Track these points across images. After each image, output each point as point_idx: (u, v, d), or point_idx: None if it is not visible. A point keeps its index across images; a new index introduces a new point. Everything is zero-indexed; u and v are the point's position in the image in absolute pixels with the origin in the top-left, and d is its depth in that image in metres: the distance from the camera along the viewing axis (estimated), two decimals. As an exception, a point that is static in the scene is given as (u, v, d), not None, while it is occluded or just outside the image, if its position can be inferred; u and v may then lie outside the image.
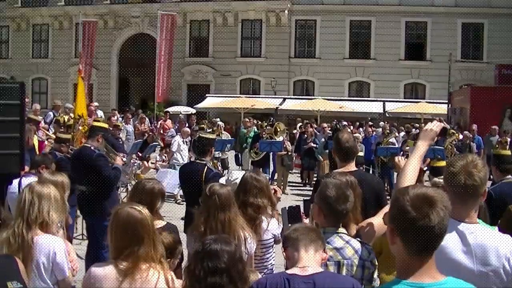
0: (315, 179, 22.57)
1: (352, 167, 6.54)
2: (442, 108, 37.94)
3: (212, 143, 9.44)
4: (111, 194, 9.87)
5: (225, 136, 24.01)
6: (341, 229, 4.61)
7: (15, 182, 8.06)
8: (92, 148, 9.85)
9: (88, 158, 9.67)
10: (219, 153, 21.54)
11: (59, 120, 17.73)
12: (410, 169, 4.56)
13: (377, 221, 5.15)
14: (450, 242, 3.82)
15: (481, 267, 3.84)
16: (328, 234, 4.47)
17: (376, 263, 4.66)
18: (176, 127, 26.69)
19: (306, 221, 5.33)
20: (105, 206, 8.82)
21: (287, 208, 5.53)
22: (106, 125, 11.53)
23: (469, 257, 3.86)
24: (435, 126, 4.93)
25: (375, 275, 4.58)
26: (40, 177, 6.49)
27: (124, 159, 11.56)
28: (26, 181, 7.56)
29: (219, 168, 11.49)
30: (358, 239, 4.70)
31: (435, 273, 3.04)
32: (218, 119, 25.98)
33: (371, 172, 22.21)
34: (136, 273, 4.24)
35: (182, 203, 10.53)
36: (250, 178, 6.28)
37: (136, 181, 13.30)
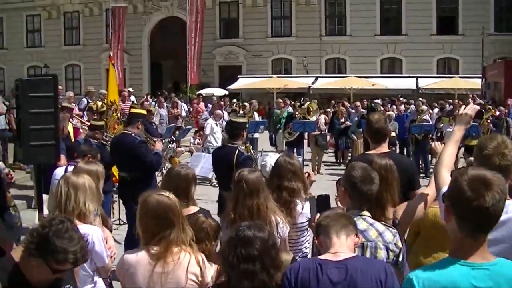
0: (349, 158, 22.56)
1: (384, 148, 6.53)
2: (476, 83, 37.51)
3: (243, 126, 9.48)
4: (152, 179, 9.99)
5: (256, 116, 24.06)
6: (365, 212, 4.62)
7: (61, 169, 8.18)
8: (133, 135, 9.93)
9: (130, 145, 9.75)
10: (252, 135, 21.66)
11: (92, 107, 17.86)
12: (447, 155, 4.62)
13: (416, 203, 5.17)
14: None
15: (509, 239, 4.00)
16: (351, 216, 4.44)
17: (401, 246, 4.66)
18: (209, 109, 26.75)
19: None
20: (147, 191, 8.91)
21: (316, 197, 5.54)
22: (145, 112, 11.61)
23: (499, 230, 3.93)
24: (470, 110, 4.91)
25: (401, 259, 4.58)
26: (75, 166, 6.54)
27: (161, 144, 11.61)
28: (71, 170, 7.68)
29: (252, 151, 11.43)
30: (382, 222, 4.70)
31: (486, 254, 3.12)
32: (254, 100, 25.88)
33: (405, 150, 22.15)
34: (169, 256, 4.39)
35: (217, 185, 10.63)
36: (284, 162, 6.25)
37: (170, 166, 13.38)
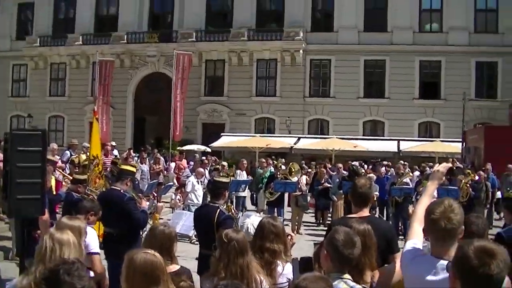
0: (329, 219, 22.65)
1: (365, 212, 6.66)
2: (457, 147, 37.98)
3: (226, 186, 9.59)
4: (138, 236, 10.05)
5: (244, 175, 24.19)
6: (346, 275, 4.70)
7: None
8: (121, 191, 9.99)
9: (119, 201, 9.79)
10: (237, 193, 21.90)
11: (74, 160, 17.93)
12: (421, 208, 4.81)
13: (394, 267, 5.31)
14: (428, 276, 4.29)
15: None
16: (333, 279, 4.53)
17: None
18: (191, 167, 26.87)
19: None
20: (132, 248, 8.96)
21: (298, 259, 5.69)
22: (134, 169, 11.68)
23: None
24: (442, 167, 5.51)
25: None
26: (58, 221, 6.62)
27: (146, 201, 11.71)
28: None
29: (233, 210, 11.54)
30: (364, 285, 4.81)
31: None
32: (243, 159, 26.06)
33: (385, 212, 22.29)
34: None
35: (196, 243, 10.69)
36: (267, 224, 6.39)
37: (151, 224, 13.43)
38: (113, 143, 28.49)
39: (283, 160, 29.85)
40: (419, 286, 4.43)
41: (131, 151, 31.70)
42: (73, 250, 5.27)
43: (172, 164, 31.16)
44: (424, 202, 4.99)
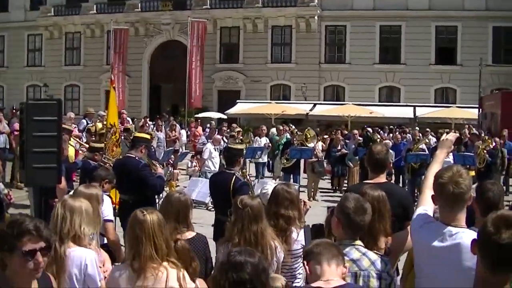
0: (345, 185, 22.67)
1: (382, 178, 6.65)
2: (473, 113, 37.66)
3: (241, 153, 9.64)
4: (154, 203, 10.17)
5: (264, 140, 24.15)
6: (358, 241, 4.71)
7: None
8: (136, 158, 10.07)
9: (134, 168, 9.88)
10: (257, 159, 22.00)
11: (90, 129, 17.98)
12: (432, 176, 4.79)
13: (406, 233, 5.33)
14: (435, 242, 4.35)
15: (455, 266, 4.24)
16: (344, 246, 4.57)
17: (393, 274, 4.81)
18: (207, 134, 26.86)
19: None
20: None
21: (310, 226, 5.71)
22: (148, 137, 11.72)
23: (445, 256, 4.29)
24: (451, 136, 5.64)
25: (393, 287, 4.70)
26: (75, 190, 6.67)
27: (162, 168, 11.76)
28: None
29: (249, 177, 11.56)
30: (375, 251, 4.82)
31: None
32: (263, 126, 26.01)
33: (401, 178, 22.27)
34: (148, 272, 4.68)
35: (212, 210, 10.76)
36: (281, 190, 6.42)
37: (167, 191, 13.51)
38: (124, 111, 28.43)
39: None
40: (426, 252, 4.48)
41: (147, 119, 31.74)
42: (86, 218, 5.31)
43: (183, 132, 31.09)
44: (433, 169, 5.03)
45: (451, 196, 4.32)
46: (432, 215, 4.74)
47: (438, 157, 5.44)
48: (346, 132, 28.56)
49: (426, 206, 4.79)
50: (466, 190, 4.35)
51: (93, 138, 16.37)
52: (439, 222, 4.44)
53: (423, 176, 19.51)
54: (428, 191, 4.82)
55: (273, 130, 28.11)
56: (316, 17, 48.23)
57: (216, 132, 23.07)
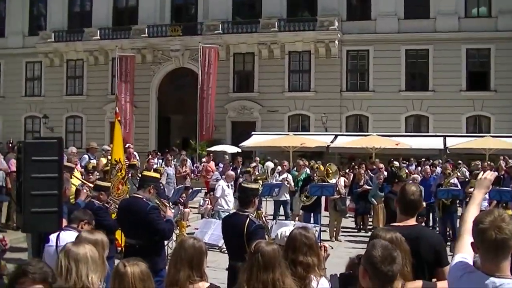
0: (370, 224, 22.60)
1: (412, 221, 6.62)
2: (509, 143, 37.40)
3: (256, 193, 9.56)
4: (162, 248, 10.19)
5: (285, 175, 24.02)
6: None
7: (53, 236, 8.23)
8: (144, 199, 10.06)
9: (141, 211, 9.87)
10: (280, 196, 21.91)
11: (87, 166, 17.84)
12: (471, 219, 4.71)
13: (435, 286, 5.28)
14: None
15: None
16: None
17: None
18: (221, 169, 26.90)
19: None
20: (156, 261, 9.14)
21: (338, 275, 5.66)
22: (158, 176, 11.75)
23: None
24: (489, 175, 5.54)
25: None
26: (78, 236, 6.64)
27: (172, 210, 11.78)
28: (65, 236, 7.77)
29: (265, 219, 11.53)
30: None
31: None
32: (285, 161, 25.93)
33: (431, 216, 22.15)
34: None
35: (226, 252, 10.77)
36: (299, 235, 6.37)
37: (177, 233, 13.48)
38: (131, 145, 28.51)
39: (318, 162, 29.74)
40: None
41: (154, 152, 31.84)
42: (92, 266, 5.25)
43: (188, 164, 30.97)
44: (471, 212, 5.00)
45: (493, 243, 4.21)
46: (472, 263, 4.65)
47: (476, 198, 5.35)
48: (373, 166, 28.40)
49: (465, 253, 4.70)
50: (510, 236, 4.24)
51: (91, 177, 16.31)
52: (481, 272, 4.35)
53: (455, 214, 19.57)
54: (467, 236, 4.74)
55: (269, 163, 28.28)
56: (336, 42, 48.18)
57: (230, 168, 23.09)
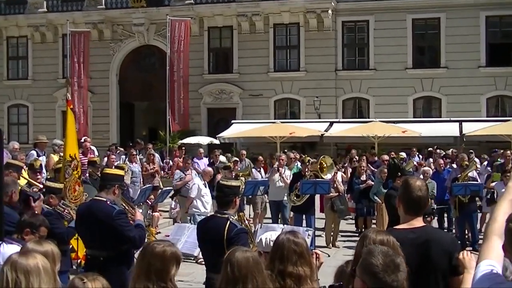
0: (374, 226, 22.61)
1: (419, 222, 6.61)
2: (537, 128, 37.52)
3: (237, 191, 9.58)
4: (131, 259, 10.08)
5: (260, 174, 24.13)
6: None
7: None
8: (108, 202, 10.01)
9: (106, 217, 9.84)
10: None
11: (33, 164, 17.68)
12: (502, 216, 4.63)
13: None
14: None
15: None
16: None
17: None
18: (197, 165, 26.92)
19: None
20: (125, 276, 9.22)
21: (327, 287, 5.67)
22: (122, 173, 11.68)
23: None
24: None
25: None
26: (23, 248, 6.59)
27: (140, 212, 11.72)
28: (7, 249, 7.71)
29: (247, 222, 11.51)
30: None
31: None
32: (259, 156, 26.01)
33: (445, 217, 22.21)
34: None
35: (203, 262, 10.73)
36: (287, 242, 6.33)
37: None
38: (87, 138, 28.45)
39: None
40: None
41: (115, 147, 31.77)
42: (45, 278, 5.18)
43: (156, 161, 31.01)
44: (503, 208, 4.77)
45: None
46: (501, 272, 4.46)
47: (509, 192, 4.96)
48: (374, 158, 28.46)
49: (492, 259, 4.46)
50: None
51: (38, 177, 16.26)
52: None
53: (474, 214, 19.62)
54: (495, 238, 4.54)
55: (222, 158, 28.46)
56: (330, 11, 47.74)
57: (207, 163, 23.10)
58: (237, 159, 27.99)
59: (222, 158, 28.26)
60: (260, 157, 25.78)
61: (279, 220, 22.31)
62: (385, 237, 5.34)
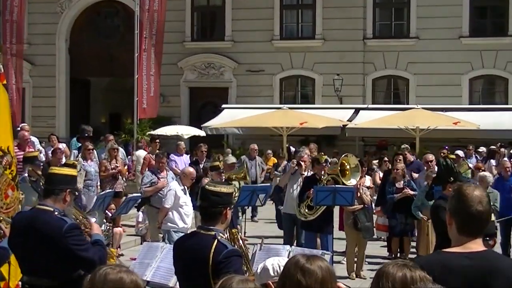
0: (413, 251, 22.61)
1: (477, 245, 6.48)
2: None
3: (228, 200, 9.32)
4: None
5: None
6: None
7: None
8: (56, 213, 9.81)
9: (53, 232, 9.62)
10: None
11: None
12: None
13: None
14: None
15: None
16: None
17: None
18: (174, 165, 26.91)
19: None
20: None
21: None
22: (74, 173, 11.47)
23: None
24: None
25: None
26: None
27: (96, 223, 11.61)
28: None
29: (242, 241, 11.30)
30: None
31: None
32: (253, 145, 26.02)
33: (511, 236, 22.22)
34: None
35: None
36: (294, 269, 6.18)
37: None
38: (25, 125, 28.41)
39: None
40: None
41: (56, 138, 31.84)
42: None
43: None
44: None
45: None
46: None
47: None
48: (412, 158, 28.44)
49: None
50: None
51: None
52: None
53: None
54: None
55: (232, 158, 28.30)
56: (357, -42, 48.02)
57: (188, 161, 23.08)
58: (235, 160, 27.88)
59: (231, 158, 27.80)
60: (255, 146, 25.60)
61: (294, 240, 22.17)
62: (409, 273, 5.19)
